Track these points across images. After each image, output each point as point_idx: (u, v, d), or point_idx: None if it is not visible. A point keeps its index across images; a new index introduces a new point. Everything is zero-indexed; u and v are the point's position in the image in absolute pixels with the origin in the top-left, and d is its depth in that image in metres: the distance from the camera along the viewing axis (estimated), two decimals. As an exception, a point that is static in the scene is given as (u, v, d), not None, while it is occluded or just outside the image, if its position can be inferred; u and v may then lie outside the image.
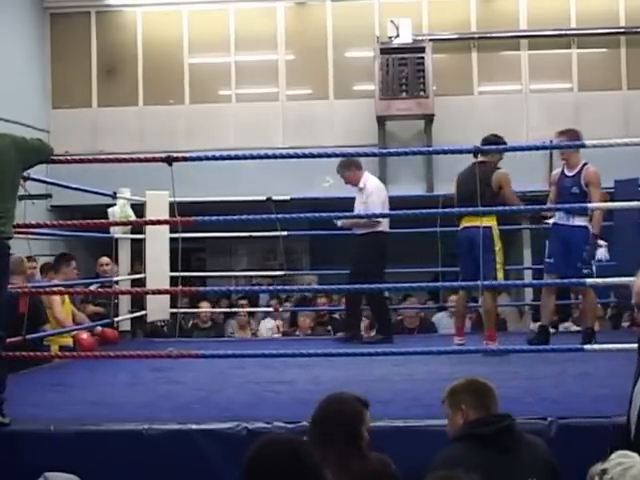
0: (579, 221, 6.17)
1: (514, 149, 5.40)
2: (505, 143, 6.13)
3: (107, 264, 7.92)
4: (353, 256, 7.01)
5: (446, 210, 5.49)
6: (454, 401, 3.08)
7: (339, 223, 7.10)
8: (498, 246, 6.12)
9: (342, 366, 5.38)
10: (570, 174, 6.24)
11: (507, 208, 6.08)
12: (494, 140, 6.11)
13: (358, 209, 6.89)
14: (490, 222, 5.99)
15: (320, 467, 2.10)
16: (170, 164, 5.04)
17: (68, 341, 6.83)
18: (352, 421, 2.93)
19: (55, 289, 6.61)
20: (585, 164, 6.22)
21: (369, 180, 7.09)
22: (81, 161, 5.28)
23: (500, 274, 6.09)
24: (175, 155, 5.15)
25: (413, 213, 5.21)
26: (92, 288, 7.19)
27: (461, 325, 6.57)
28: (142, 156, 5.86)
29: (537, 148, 5.42)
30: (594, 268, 6.13)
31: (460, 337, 6.36)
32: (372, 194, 6.91)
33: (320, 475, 2.07)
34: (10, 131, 4.52)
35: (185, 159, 5.29)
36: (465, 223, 6.13)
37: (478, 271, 5.54)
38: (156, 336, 8.23)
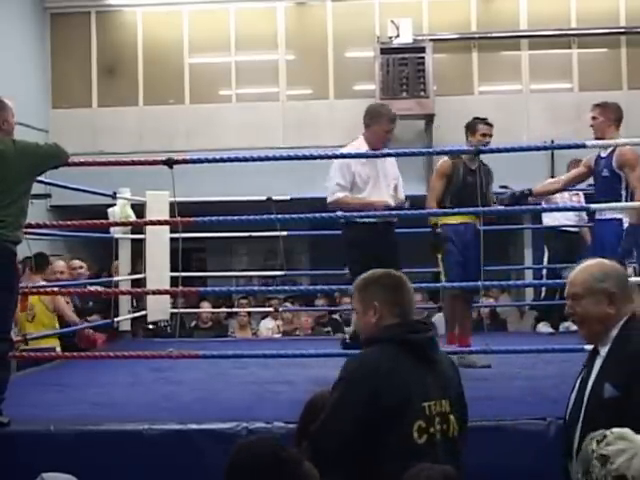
0: (610, 214, 5.49)
1: (514, 149, 5.39)
2: None
3: (80, 267, 8.08)
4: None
5: (447, 210, 5.48)
6: (366, 296, 2.80)
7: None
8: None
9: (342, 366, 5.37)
10: (604, 155, 5.62)
11: (510, 208, 5.94)
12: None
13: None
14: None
15: (300, 468, 2.07)
16: (170, 167, 5.04)
17: (54, 343, 6.81)
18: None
19: (52, 289, 6.61)
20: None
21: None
22: (81, 164, 5.26)
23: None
24: (175, 157, 5.14)
25: (413, 213, 5.20)
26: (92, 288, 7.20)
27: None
28: (142, 159, 5.85)
29: (537, 148, 5.41)
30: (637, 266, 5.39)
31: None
32: None
33: (300, 476, 2.06)
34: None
35: (185, 161, 5.28)
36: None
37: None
38: (158, 336, 8.24)
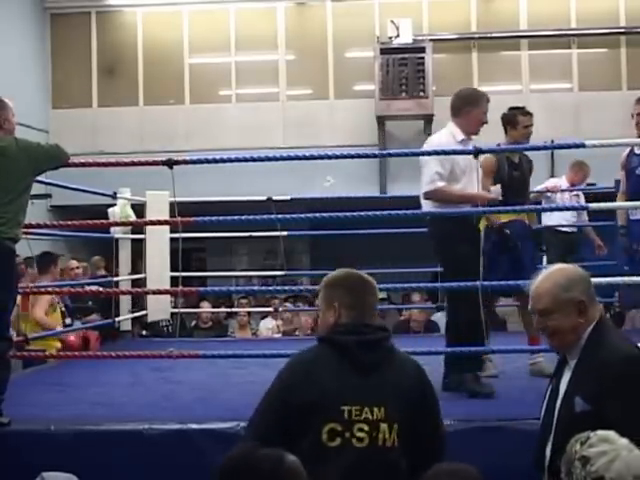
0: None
1: (514, 149, 5.38)
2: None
3: (77, 267, 8.10)
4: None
5: (448, 210, 5.48)
6: (329, 296, 2.74)
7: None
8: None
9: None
10: (638, 152, 5.40)
11: (518, 208, 5.45)
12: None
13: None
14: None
15: (281, 465, 2.04)
16: (171, 167, 5.04)
17: (54, 345, 6.76)
18: None
19: (52, 289, 6.62)
20: None
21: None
22: (81, 164, 5.26)
23: None
24: (175, 158, 5.14)
25: (413, 213, 5.20)
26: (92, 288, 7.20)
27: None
28: (142, 159, 5.85)
29: (537, 148, 5.40)
30: None
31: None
32: None
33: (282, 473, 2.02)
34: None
35: (185, 162, 5.28)
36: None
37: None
38: (158, 336, 8.25)
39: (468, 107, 4.87)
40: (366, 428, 2.52)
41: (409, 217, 5.32)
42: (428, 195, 4.83)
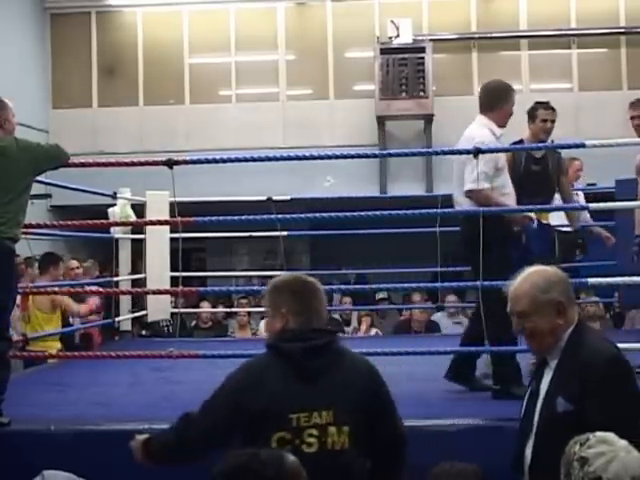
0: None
1: (514, 149, 5.37)
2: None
3: (77, 267, 8.09)
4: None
5: (445, 210, 5.47)
6: (275, 301, 2.71)
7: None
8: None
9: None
10: None
11: (518, 208, 5.18)
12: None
13: None
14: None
15: (282, 466, 2.04)
16: (171, 167, 5.05)
17: (54, 346, 6.77)
18: None
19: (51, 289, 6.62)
20: None
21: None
22: (81, 164, 5.27)
23: None
24: (175, 158, 5.14)
25: (413, 213, 5.20)
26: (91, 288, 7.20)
27: None
28: (142, 159, 5.86)
29: (538, 148, 5.39)
30: None
31: None
32: None
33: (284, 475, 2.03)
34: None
35: (185, 162, 5.29)
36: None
37: None
38: (158, 336, 8.25)
39: (501, 102, 4.85)
40: (315, 433, 2.52)
41: (409, 217, 5.32)
42: (472, 194, 4.72)
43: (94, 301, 7.11)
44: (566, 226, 8.00)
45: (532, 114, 5.39)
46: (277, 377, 2.58)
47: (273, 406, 2.53)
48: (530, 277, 2.63)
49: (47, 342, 6.63)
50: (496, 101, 4.85)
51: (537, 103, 5.46)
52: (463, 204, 4.85)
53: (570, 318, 2.61)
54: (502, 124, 4.91)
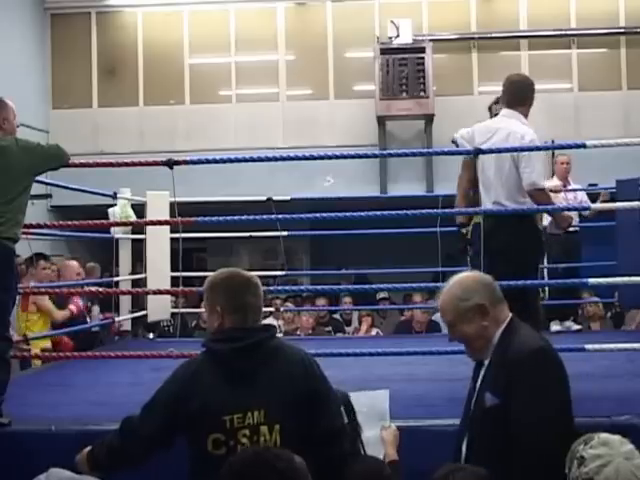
0: None
1: (514, 149, 5.36)
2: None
3: (78, 273, 7.94)
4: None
5: (445, 210, 5.48)
6: (211, 299, 2.71)
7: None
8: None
9: (342, 366, 5.38)
10: None
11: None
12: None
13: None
14: None
15: (292, 464, 2.08)
16: (171, 167, 5.05)
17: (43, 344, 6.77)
18: None
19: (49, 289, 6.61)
20: None
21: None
22: (82, 164, 5.27)
23: None
24: (176, 158, 5.15)
25: (413, 213, 5.20)
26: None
27: None
28: (143, 159, 5.86)
29: (538, 148, 5.39)
30: None
31: None
32: None
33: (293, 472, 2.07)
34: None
35: (186, 162, 5.29)
36: None
37: None
38: (160, 336, 8.24)
39: (530, 98, 4.79)
40: (248, 433, 2.54)
41: (409, 217, 5.33)
42: (533, 191, 4.53)
43: (74, 308, 7.10)
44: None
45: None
46: (209, 379, 2.59)
47: (207, 408, 2.55)
48: (450, 288, 2.72)
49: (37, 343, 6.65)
50: (527, 96, 4.77)
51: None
52: (511, 205, 4.57)
53: (497, 318, 2.66)
54: (526, 119, 4.83)
